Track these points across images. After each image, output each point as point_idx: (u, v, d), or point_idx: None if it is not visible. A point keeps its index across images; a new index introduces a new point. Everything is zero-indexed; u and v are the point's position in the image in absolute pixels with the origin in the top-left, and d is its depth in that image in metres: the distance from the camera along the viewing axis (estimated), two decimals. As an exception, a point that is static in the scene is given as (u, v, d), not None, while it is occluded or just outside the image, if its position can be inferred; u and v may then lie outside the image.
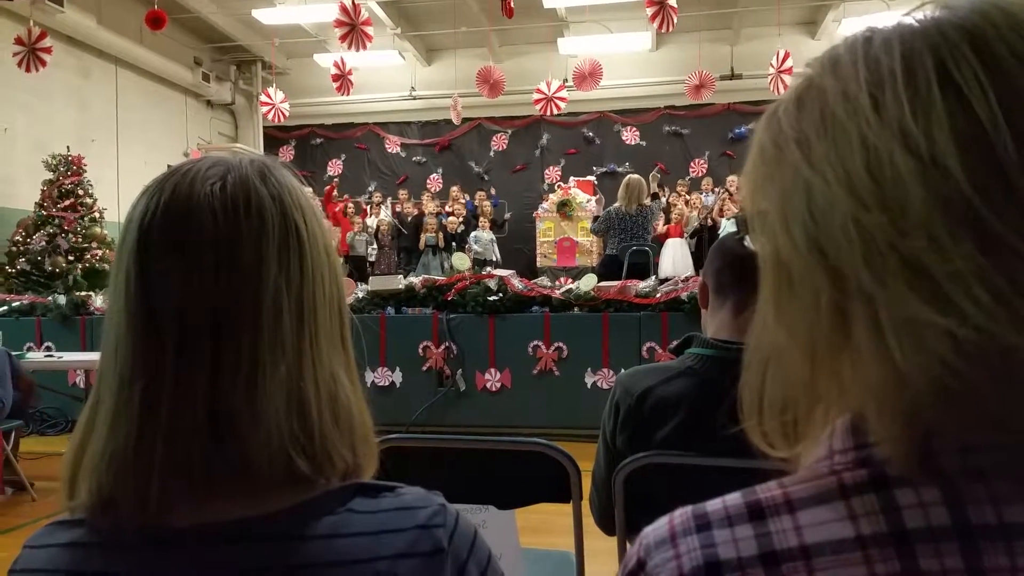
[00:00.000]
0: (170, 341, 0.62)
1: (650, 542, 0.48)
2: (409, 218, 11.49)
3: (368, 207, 12.22)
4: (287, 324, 0.63)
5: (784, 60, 9.52)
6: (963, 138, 0.40)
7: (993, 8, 0.43)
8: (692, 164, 12.66)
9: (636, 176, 7.03)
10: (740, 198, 0.55)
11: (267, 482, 0.62)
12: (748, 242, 0.53)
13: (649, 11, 8.27)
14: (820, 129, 0.45)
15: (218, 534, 0.61)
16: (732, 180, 10.33)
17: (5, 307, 6.27)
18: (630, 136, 13.07)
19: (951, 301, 0.39)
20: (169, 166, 0.69)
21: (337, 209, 11.69)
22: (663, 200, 9.85)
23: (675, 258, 9.45)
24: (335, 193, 12.10)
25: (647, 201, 7.03)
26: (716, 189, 10.86)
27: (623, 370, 1.58)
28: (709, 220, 9.60)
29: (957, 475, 0.41)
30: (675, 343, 1.54)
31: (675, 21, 8.33)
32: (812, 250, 0.44)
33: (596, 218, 8.71)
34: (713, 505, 0.47)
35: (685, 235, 9.88)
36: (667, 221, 10.24)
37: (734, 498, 0.47)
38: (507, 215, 12.00)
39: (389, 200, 12.42)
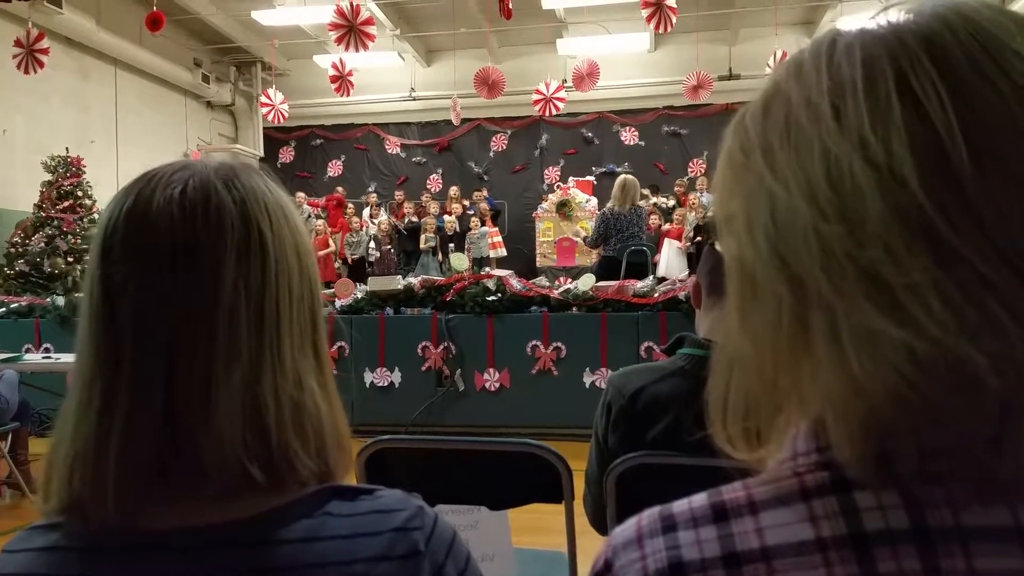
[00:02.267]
0: (127, 344, 0.62)
1: (617, 543, 0.48)
2: (407, 219, 11.50)
3: (367, 208, 12.24)
4: (244, 330, 0.63)
5: (782, 60, 9.52)
6: (920, 150, 0.40)
7: (954, 14, 0.42)
8: (691, 164, 12.67)
9: (631, 176, 7.05)
10: (711, 203, 0.55)
11: (226, 488, 0.62)
12: (718, 247, 0.54)
13: (645, 12, 8.27)
14: (784, 137, 0.45)
15: (195, 538, 0.62)
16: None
17: (3, 308, 6.26)
18: (629, 136, 13.08)
19: (907, 313, 0.39)
20: None
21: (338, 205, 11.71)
22: (659, 201, 9.88)
23: (673, 259, 9.47)
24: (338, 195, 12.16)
25: (640, 202, 7.07)
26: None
27: (620, 369, 1.59)
28: (704, 220, 9.61)
29: (914, 479, 0.42)
30: (668, 344, 1.54)
31: (673, 22, 8.34)
32: (774, 258, 0.44)
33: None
34: (679, 506, 0.47)
35: (684, 239, 9.89)
36: (668, 220, 10.27)
37: (700, 499, 0.47)
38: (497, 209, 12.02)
39: (387, 202, 12.46)
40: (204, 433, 0.61)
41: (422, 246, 10.99)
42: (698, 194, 10.75)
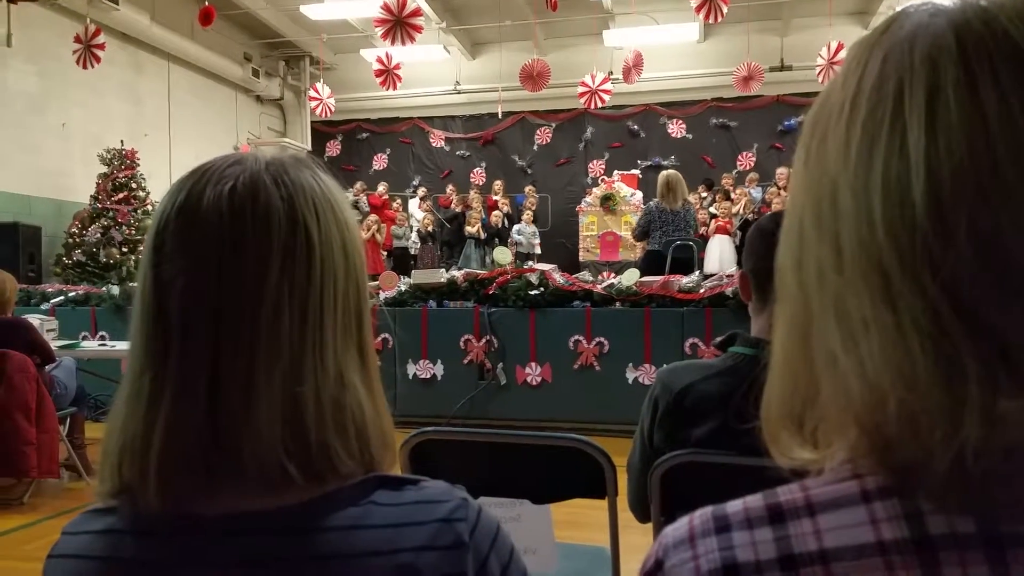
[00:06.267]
0: (174, 339, 0.63)
1: (669, 542, 0.47)
2: (453, 212, 11.52)
3: (413, 200, 12.32)
4: (286, 329, 0.63)
5: (836, 52, 9.32)
6: (890, 183, 0.40)
7: (961, 29, 0.41)
8: (740, 157, 12.47)
9: (674, 172, 6.97)
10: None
11: (267, 484, 0.62)
12: None
13: (694, 2, 8.15)
14: (809, 152, 0.46)
15: (243, 524, 0.63)
16: (781, 173, 10.13)
17: (61, 297, 6.47)
18: (676, 129, 12.92)
19: (856, 344, 0.41)
20: None
21: (383, 201, 11.79)
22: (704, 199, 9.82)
23: (721, 254, 9.35)
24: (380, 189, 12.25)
25: (689, 198, 6.99)
26: (770, 184, 10.69)
27: (664, 365, 1.57)
28: (754, 215, 9.47)
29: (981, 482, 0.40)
30: (719, 339, 1.51)
31: (724, 11, 8.21)
32: (796, 269, 0.46)
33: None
34: (733, 507, 0.46)
35: (734, 228, 9.76)
36: (712, 216, 10.14)
37: (755, 500, 0.46)
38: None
39: (434, 196, 12.50)
40: (244, 431, 0.62)
41: (469, 231, 10.97)
42: (747, 189, 10.58)
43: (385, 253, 11.30)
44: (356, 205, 11.43)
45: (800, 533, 0.43)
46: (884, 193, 0.40)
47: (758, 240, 1.45)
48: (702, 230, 9.44)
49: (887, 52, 0.43)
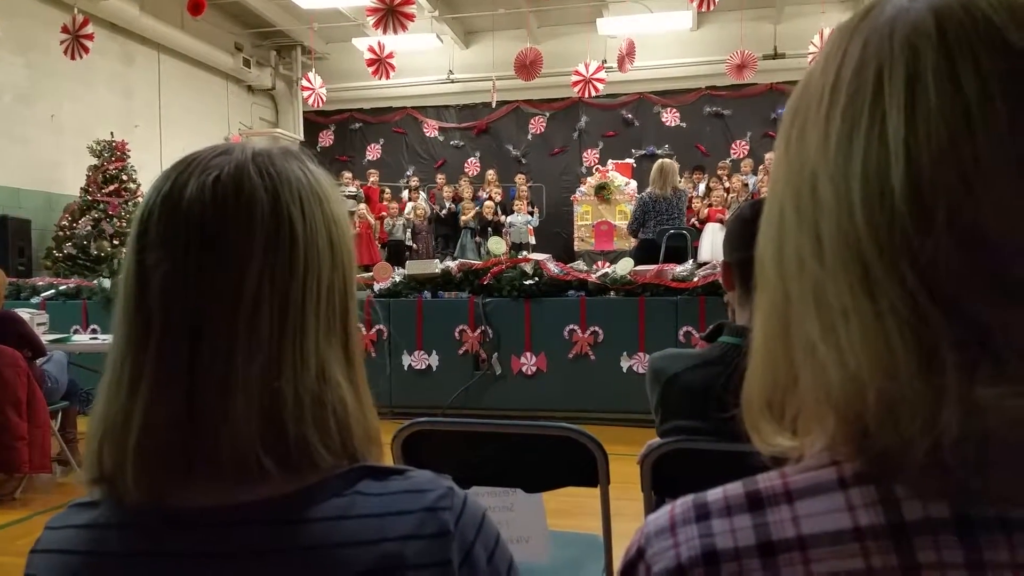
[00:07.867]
0: (154, 328, 0.63)
1: (650, 531, 0.48)
2: (447, 204, 11.49)
3: (406, 192, 12.27)
4: (266, 323, 0.63)
5: (828, 38, 9.29)
6: (869, 170, 0.40)
7: (941, 14, 0.41)
8: (733, 145, 12.47)
9: (668, 160, 7.02)
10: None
11: (244, 478, 0.62)
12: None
13: (688, -11, 8.12)
14: (791, 136, 0.46)
15: (227, 517, 0.62)
16: (770, 159, 10.12)
17: (52, 290, 6.43)
18: (670, 118, 12.90)
19: (835, 333, 0.40)
20: None
21: (375, 193, 11.73)
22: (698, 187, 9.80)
23: (714, 242, 9.35)
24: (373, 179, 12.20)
25: (680, 185, 7.01)
26: (760, 168, 10.69)
27: (659, 352, 1.56)
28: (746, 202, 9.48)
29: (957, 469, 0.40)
30: (706, 332, 1.51)
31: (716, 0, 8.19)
32: (777, 259, 0.46)
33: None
34: (714, 495, 0.47)
35: (728, 216, 9.77)
36: (708, 204, 10.15)
37: (735, 487, 0.46)
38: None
39: (427, 186, 12.46)
40: (221, 424, 0.61)
41: (464, 219, 10.95)
42: (742, 177, 10.57)
43: (380, 244, 11.26)
44: (354, 196, 11.37)
45: (778, 520, 0.43)
46: (863, 180, 0.40)
47: (740, 229, 1.43)
48: (692, 220, 9.44)
49: (867, 38, 0.42)
